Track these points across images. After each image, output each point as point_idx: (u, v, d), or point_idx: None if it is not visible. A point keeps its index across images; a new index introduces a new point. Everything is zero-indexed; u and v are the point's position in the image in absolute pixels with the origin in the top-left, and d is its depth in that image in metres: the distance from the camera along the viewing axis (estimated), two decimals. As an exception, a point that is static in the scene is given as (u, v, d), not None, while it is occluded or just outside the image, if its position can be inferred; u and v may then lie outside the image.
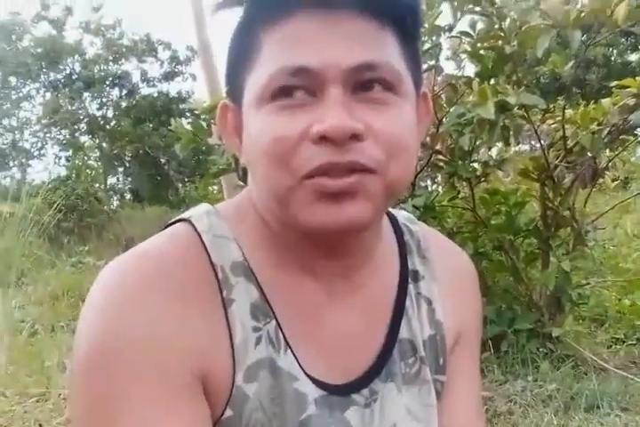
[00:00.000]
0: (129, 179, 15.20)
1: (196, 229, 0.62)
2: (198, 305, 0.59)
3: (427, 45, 3.11)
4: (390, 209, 0.77)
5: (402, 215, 0.78)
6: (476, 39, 2.86)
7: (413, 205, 3.20)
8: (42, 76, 14.02)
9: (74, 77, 13.73)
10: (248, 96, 0.60)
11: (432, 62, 3.29)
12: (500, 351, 3.18)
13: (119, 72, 14.11)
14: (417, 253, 0.75)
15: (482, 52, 2.85)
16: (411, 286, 0.72)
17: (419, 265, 0.74)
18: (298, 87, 0.56)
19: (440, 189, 4.01)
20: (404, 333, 0.70)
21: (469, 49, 2.88)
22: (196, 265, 0.60)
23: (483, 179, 3.49)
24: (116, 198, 15.20)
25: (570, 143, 3.13)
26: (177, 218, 0.67)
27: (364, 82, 0.57)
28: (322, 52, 0.55)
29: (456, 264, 0.79)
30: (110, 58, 14.08)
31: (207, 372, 0.58)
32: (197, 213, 0.65)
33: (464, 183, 3.51)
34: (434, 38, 3.06)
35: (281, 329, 0.62)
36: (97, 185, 12.79)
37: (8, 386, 3.12)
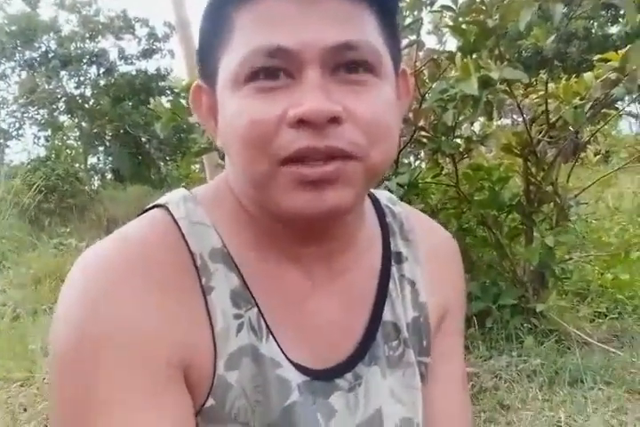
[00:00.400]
0: (110, 158, 15.02)
1: (172, 216, 0.61)
2: (178, 293, 0.57)
3: (408, 20, 3.06)
4: (372, 190, 0.75)
5: (384, 196, 0.77)
6: (457, 13, 2.81)
7: (397, 183, 3.18)
8: (17, 55, 13.73)
9: (50, 56, 13.47)
10: (222, 78, 0.58)
11: (413, 37, 3.25)
12: (484, 327, 3.20)
13: (96, 50, 13.86)
14: (400, 234, 0.73)
15: (464, 26, 2.81)
16: (394, 269, 0.71)
17: (402, 247, 0.73)
18: (274, 69, 0.54)
19: (423, 165, 3.99)
20: (387, 315, 0.69)
21: (451, 23, 2.83)
22: (174, 252, 0.58)
23: (466, 155, 3.47)
24: (97, 178, 15.05)
25: (552, 118, 3.12)
26: (153, 204, 0.65)
27: (345, 63, 0.55)
28: (298, 32, 0.53)
29: (439, 243, 0.78)
30: (87, 35, 13.81)
31: (189, 362, 0.56)
32: (174, 199, 0.63)
33: (447, 159, 3.49)
34: (415, 13, 3.01)
35: (262, 316, 0.61)
36: (77, 165, 12.63)
37: (-9, 371, 3.10)
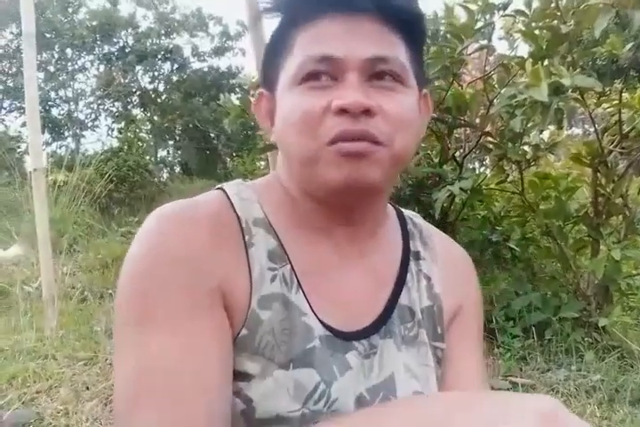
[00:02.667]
0: (179, 152, 15.39)
1: (227, 194, 0.75)
2: (224, 241, 0.69)
3: (479, 24, 3.03)
4: (400, 207, 0.90)
5: (408, 211, 0.90)
6: (530, 18, 2.76)
7: (460, 188, 3.14)
8: (96, 49, 14.22)
9: (127, 51, 13.88)
10: (283, 81, 0.72)
11: (484, 42, 3.21)
12: (543, 339, 3.13)
13: (171, 46, 14.19)
14: (419, 239, 0.85)
15: (536, 31, 2.75)
16: (412, 264, 0.82)
17: (420, 248, 0.84)
18: (323, 72, 0.68)
19: (488, 171, 3.93)
20: (404, 299, 0.79)
21: (523, 28, 2.78)
22: (224, 215, 0.72)
23: (533, 162, 3.40)
24: (165, 171, 15.42)
25: (626, 128, 3.02)
26: (214, 188, 0.79)
27: (377, 72, 0.69)
28: (344, 45, 0.68)
29: (455, 254, 0.89)
30: (162, 32, 14.17)
31: (229, 292, 0.67)
32: (229, 183, 0.78)
33: (513, 166, 3.43)
34: (487, 17, 2.98)
35: (295, 273, 0.72)
36: (148, 157, 12.98)
37: (58, 349, 3.24)
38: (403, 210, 0.90)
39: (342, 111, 0.66)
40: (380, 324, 0.76)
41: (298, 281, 0.71)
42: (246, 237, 0.71)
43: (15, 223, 6.27)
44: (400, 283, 0.80)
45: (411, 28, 0.72)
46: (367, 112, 0.66)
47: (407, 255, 0.83)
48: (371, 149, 0.67)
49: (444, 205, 3.45)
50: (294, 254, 0.73)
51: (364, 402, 0.71)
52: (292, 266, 0.72)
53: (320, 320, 0.71)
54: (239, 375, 0.67)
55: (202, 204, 0.72)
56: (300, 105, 0.68)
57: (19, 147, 12.20)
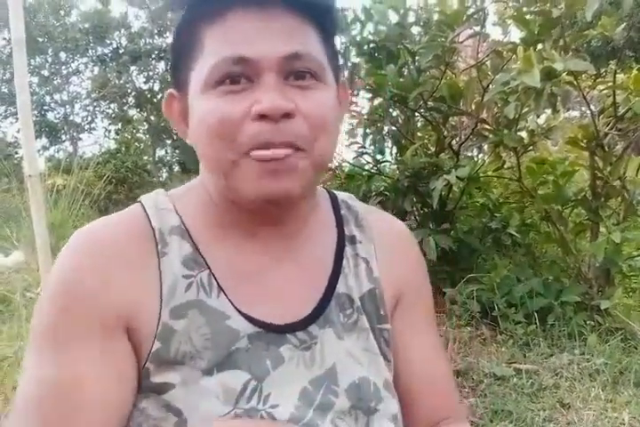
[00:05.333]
0: (176, 151, 15.39)
1: (143, 206, 0.75)
2: (136, 260, 0.70)
3: (471, 10, 3.01)
4: (335, 191, 0.89)
5: (345, 195, 0.89)
6: (521, 3, 2.75)
7: (457, 176, 3.14)
8: (89, 51, 14.21)
9: (120, 51, 13.89)
10: (194, 84, 0.69)
11: (477, 28, 3.19)
12: (546, 324, 3.13)
13: (164, 45, 14.18)
14: (354, 222, 0.84)
15: (528, 16, 2.74)
16: (348, 249, 0.81)
17: (356, 232, 0.83)
18: (238, 74, 0.66)
19: (485, 158, 3.92)
20: (341, 288, 0.78)
21: (514, 13, 2.77)
22: (138, 230, 0.72)
23: (529, 148, 3.40)
24: (164, 170, 15.44)
25: (621, 110, 3.01)
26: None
27: (294, 71, 0.67)
28: (257, 45, 0.66)
29: (394, 230, 0.88)
30: (155, 31, 14.15)
31: (134, 315, 0.68)
32: (148, 194, 0.78)
33: (510, 153, 3.43)
34: (478, 3, 2.97)
35: (214, 277, 0.72)
36: (146, 158, 12.99)
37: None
38: (337, 193, 0.88)
39: (262, 116, 0.64)
40: (318, 314, 0.75)
41: (218, 285, 0.71)
42: (159, 246, 0.71)
43: (15, 229, 6.27)
44: (336, 271, 0.79)
45: (323, 19, 0.71)
46: (287, 115, 0.65)
47: (342, 241, 0.82)
48: (291, 159, 0.66)
49: (442, 194, 3.45)
50: (214, 258, 0.73)
51: (308, 394, 0.71)
52: (210, 271, 0.72)
53: (250, 318, 0.71)
54: (162, 388, 0.68)
55: (113, 226, 0.73)
56: (216, 111, 0.66)
57: (16, 153, 12.20)
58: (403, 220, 3.91)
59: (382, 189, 3.78)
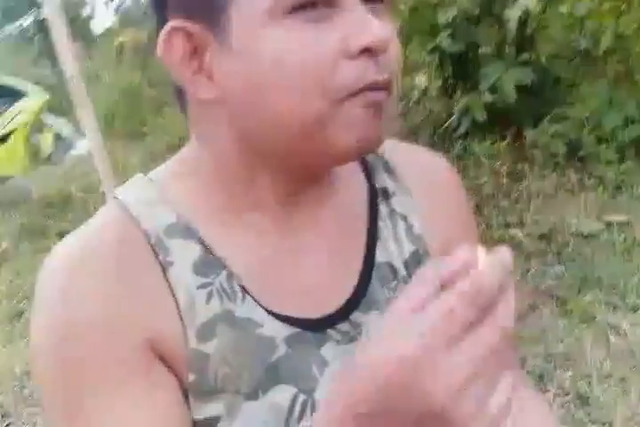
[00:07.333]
0: None
1: (123, 203, 0.61)
2: (140, 275, 0.58)
3: None
4: None
5: None
6: None
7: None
8: None
9: None
10: (245, 9, 0.52)
11: None
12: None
13: None
14: (385, 170, 0.71)
15: None
16: (382, 206, 0.69)
17: (387, 182, 0.70)
18: None
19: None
20: (380, 257, 0.67)
21: None
22: (128, 238, 0.58)
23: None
24: None
25: None
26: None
27: None
28: None
29: (431, 172, 0.74)
30: None
31: (159, 338, 0.57)
32: (125, 185, 0.64)
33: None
34: None
35: (233, 278, 0.60)
36: None
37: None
38: None
39: (365, 51, 0.51)
40: (359, 297, 0.65)
41: (242, 287, 0.60)
42: (160, 257, 0.58)
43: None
44: (372, 236, 0.67)
45: None
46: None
47: (375, 196, 0.69)
48: (386, 103, 0.55)
49: (520, 17, 3.08)
50: (230, 252, 0.60)
51: None
52: (228, 271, 0.60)
53: (283, 318, 0.61)
54: (207, 424, 0.58)
55: (96, 236, 0.59)
56: (305, 48, 0.51)
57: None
58: (475, 52, 3.55)
59: (451, 19, 3.39)
